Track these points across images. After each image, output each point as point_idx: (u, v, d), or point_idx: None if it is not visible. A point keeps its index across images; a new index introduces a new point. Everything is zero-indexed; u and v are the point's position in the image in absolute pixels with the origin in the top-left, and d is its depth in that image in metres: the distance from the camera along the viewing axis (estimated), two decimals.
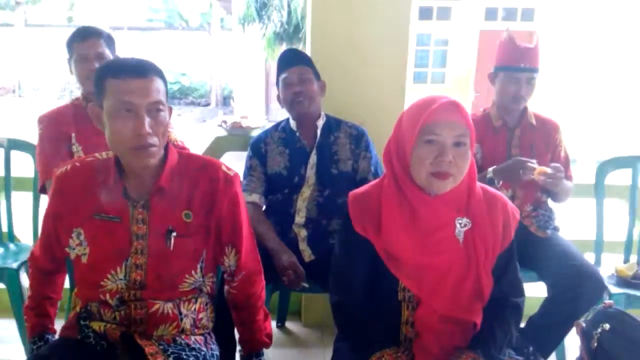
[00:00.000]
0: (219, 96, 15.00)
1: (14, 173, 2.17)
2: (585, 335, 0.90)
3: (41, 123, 1.88)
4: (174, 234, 1.21)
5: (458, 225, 1.20)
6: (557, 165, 1.77)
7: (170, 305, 1.23)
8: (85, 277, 1.24)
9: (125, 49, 15.41)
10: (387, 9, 2.10)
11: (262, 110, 12.07)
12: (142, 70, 1.13)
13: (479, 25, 8.44)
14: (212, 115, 13.58)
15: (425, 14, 8.27)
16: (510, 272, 1.23)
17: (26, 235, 2.28)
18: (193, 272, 1.25)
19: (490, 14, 8.43)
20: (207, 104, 15.12)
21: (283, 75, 1.90)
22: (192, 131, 10.00)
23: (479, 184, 1.24)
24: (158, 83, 1.16)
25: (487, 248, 1.19)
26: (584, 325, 0.92)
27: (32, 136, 2.00)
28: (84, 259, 1.22)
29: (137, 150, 1.14)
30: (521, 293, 1.24)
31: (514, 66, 1.92)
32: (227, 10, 13.24)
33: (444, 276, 1.19)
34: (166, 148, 1.23)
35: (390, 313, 1.21)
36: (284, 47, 6.60)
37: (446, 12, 8.42)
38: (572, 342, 1.95)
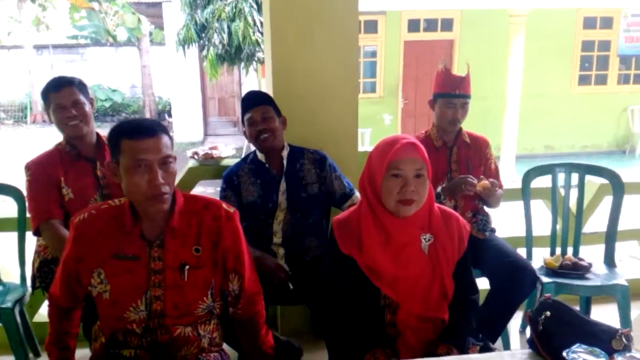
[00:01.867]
0: (153, 111, 14.73)
1: None
2: (532, 322, 1.18)
3: (29, 170, 1.96)
4: (187, 267, 1.38)
5: (423, 240, 1.47)
6: (494, 180, 2.11)
7: (189, 328, 1.41)
8: (108, 311, 1.39)
9: (56, 68, 14.81)
10: (339, 44, 2.35)
11: (199, 125, 12.02)
12: (151, 131, 1.31)
13: (403, 36, 8.99)
14: None
15: None
16: (467, 274, 1.52)
17: (5, 274, 2.31)
18: (205, 299, 1.42)
19: (413, 26, 9.01)
20: None
21: (247, 115, 2.11)
22: None
23: (435, 204, 1.52)
24: (166, 139, 1.34)
25: (448, 257, 1.47)
26: (531, 314, 1.21)
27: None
28: (106, 295, 1.37)
29: (152, 198, 1.32)
30: (476, 291, 1.54)
31: (450, 93, 2.24)
32: (156, 25, 13.03)
33: (415, 283, 1.45)
34: (173, 192, 1.40)
35: (375, 317, 1.46)
36: (225, 67, 6.72)
37: (373, 25, 8.89)
38: (514, 326, 2.31)
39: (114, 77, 15.12)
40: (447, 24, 8.97)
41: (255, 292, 1.53)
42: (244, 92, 12.60)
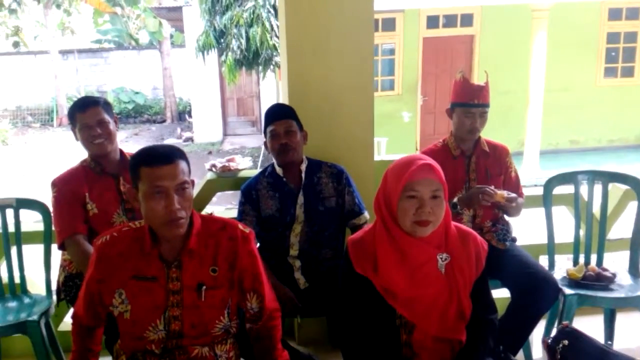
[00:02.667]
0: (174, 112, 14.95)
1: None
2: (550, 350, 1.17)
3: (55, 186, 2.03)
4: (204, 287, 1.42)
5: (439, 260, 1.46)
6: (513, 195, 2.07)
7: (206, 348, 1.44)
8: (129, 331, 1.43)
9: (81, 73, 15.16)
10: (354, 54, 2.35)
11: (219, 125, 12.15)
12: (169, 158, 1.35)
13: (422, 33, 8.89)
14: (169, 132, 13.53)
15: None
16: (485, 294, 1.50)
17: (31, 285, 2.38)
18: (222, 318, 1.46)
19: (432, 22, 8.89)
20: (163, 121, 15.03)
21: (270, 128, 2.12)
22: None
23: (453, 223, 1.51)
24: (183, 165, 1.38)
25: (465, 277, 1.46)
26: (549, 342, 1.19)
27: None
28: (127, 315, 1.41)
29: (169, 223, 1.36)
30: (495, 310, 1.52)
31: (468, 103, 2.20)
32: (176, 27, 13.18)
33: (432, 303, 1.44)
34: (190, 215, 1.42)
35: (390, 337, 1.45)
36: (244, 72, 6.77)
37: (391, 23, 8.81)
38: (536, 338, 2.27)
39: (136, 80, 15.40)
40: (467, 20, 8.83)
41: (275, 308, 1.56)
42: (262, 93, 12.63)
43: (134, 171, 1.37)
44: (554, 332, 1.28)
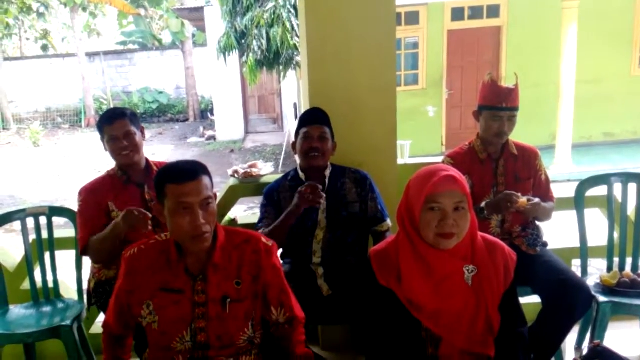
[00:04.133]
0: (197, 111, 15.12)
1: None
2: None
3: (81, 195, 2.08)
4: (229, 300, 1.44)
5: (466, 272, 1.41)
6: (536, 201, 2.00)
7: (232, 359, 1.46)
8: (157, 341, 1.46)
9: (107, 74, 15.50)
10: (376, 59, 2.30)
11: (240, 123, 12.21)
12: (193, 175, 1.38)
13: (447, 26, 8.71)
14: (192, 130, 13.69)
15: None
16: (514, 307, 1.45)
17: (64, 289, 2.44)
18: (246, 330, 1.48)
19: (457, 14, 8.70)
20: (186, 120, 15.23)
21: (304, 129, 2.12)
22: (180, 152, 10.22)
23: (479, 234, 1.46)
24: (206, 180, 1.40)
25: (493, 289, 1.41)
26: None
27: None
28: (155, 326, 1.45)
29: (194, 238, 1.38)
30: (524, 323, 1.47)
31: (496, 106, 2.13)
32: (198, 27, 13.30)
33: (459, 316, 1.40)
34: (215, 228, 1.44)
35: (416, 350, 1.42)
36: (265, 72, 6.77)
37: (414, 16, 8.66)
38: (569, 345, 2.20)
39: (160, 80, 15.64)
40: (494, 10, 8.60)
41: (302, 316, 1.57)
42: (283, 90, 12.58)
43: (160, 188, 1.40)
44: (585, 350, 1.21)
